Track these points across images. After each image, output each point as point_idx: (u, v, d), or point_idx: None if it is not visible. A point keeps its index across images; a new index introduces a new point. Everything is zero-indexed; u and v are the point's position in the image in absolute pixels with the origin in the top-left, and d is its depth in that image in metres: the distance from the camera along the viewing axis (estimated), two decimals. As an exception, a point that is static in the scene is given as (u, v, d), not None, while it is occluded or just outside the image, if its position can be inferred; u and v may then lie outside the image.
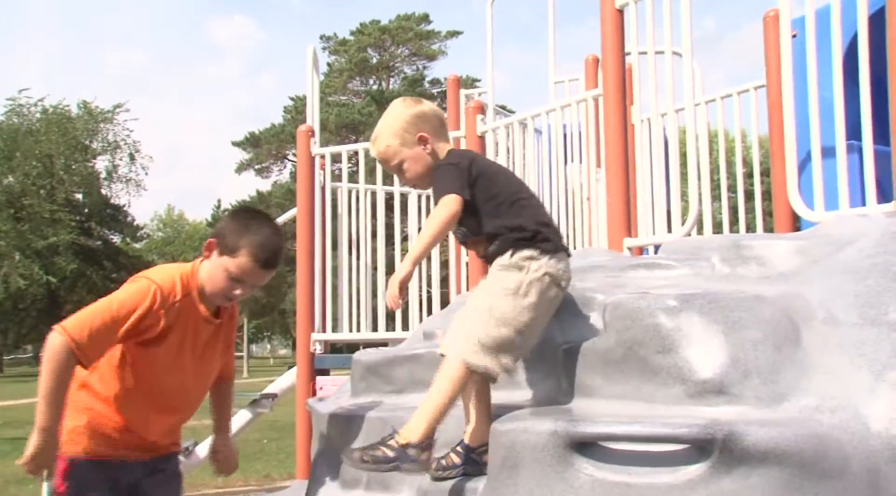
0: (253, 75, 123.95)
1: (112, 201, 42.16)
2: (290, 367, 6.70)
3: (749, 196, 5.13)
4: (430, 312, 5.71)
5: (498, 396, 2.44)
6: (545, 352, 2.47)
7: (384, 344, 5.07)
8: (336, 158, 5.98)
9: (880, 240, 2.57)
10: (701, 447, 1.86)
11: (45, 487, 2.57)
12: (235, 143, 41.07)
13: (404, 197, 5.95)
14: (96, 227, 41.76)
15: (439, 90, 38.45)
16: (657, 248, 3.85)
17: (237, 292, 2.66)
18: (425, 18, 41.17)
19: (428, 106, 2.56)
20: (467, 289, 4.78)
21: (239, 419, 6.41)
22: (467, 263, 5.24)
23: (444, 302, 5.33)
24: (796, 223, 4.10)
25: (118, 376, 2.64)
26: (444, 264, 5.85)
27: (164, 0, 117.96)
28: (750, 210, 5.21)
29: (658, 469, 1.90)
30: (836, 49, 3.32)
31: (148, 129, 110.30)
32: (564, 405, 2.35)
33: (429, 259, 5.71)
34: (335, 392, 3.49)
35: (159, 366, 2.65)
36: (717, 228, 5.05)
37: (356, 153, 5.93)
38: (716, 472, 1.84)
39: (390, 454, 2.22)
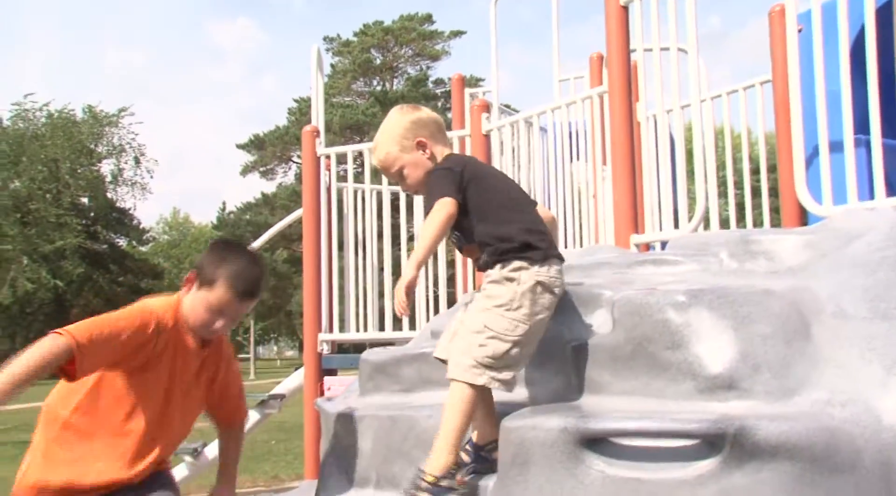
0: (256, 77, 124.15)
1: (118, 205, 42.28)
2: (296, 368, 6.71)
3: (756, 192, 5.11)
4: (436, 312, 5.71)
5: (507, 394, 2.44)
6: (553, 350, 2.47)
7: (391, 344, 5.07)
8: (341, 159, 5.97)
9: (889, 233, 2.57)
10: (712, 442, 1.86)
11: None
12: (240, 146, 41.11)
13: (410, 197, 5.94)
14: (102, 230, 41.88)
15: (443, 90, 38.48)
16: (664, 244, 3.85)
17: (218, 324, 2.65)
18: (428, 19, 41.18)
19: (425, 111, 2.58)
20: (474, 288, 4.78)
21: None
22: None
23: (451, 301, 5.32)
24: (803, 218, 4.08)
25: (103, 412, 2.60)
26: (451, 263, 5.84)
27: (164, 2, 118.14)
28: (756, 206, 5.18)
29: (669, 464, 1.89)
30: (843, 43, 3.31)
31: (152, 133, 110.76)
32: (574, 402, 2.35)
33: (435, 258, 5.71)
34: (343, 391, 3.49)
35: (146, 397, 2.62)
36: (724, 225, 5.03)
37: (361, 153, 5.93)
38: (727, 467, 1.83)
39: None
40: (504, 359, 2.23)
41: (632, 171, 3.91)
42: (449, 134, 5.74)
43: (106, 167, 40.57)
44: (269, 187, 40.68)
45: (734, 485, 1.82)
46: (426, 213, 2.37)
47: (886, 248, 2.44)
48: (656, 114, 3.98)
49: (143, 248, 48.65)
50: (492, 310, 2.27)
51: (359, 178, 6.24)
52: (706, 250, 2.84)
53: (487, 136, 5.20)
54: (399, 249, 5.62)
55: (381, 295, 6.03)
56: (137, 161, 40.02)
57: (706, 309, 2.17)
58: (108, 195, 41.17)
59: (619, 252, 3.38)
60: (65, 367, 2.46)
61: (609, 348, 2.31)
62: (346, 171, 5.95)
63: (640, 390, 2.20)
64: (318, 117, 6.05)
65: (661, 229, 3.86)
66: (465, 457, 2.34)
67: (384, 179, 5.90)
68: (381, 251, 5.95)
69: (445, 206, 2.30)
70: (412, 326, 5.56)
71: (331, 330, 5.75)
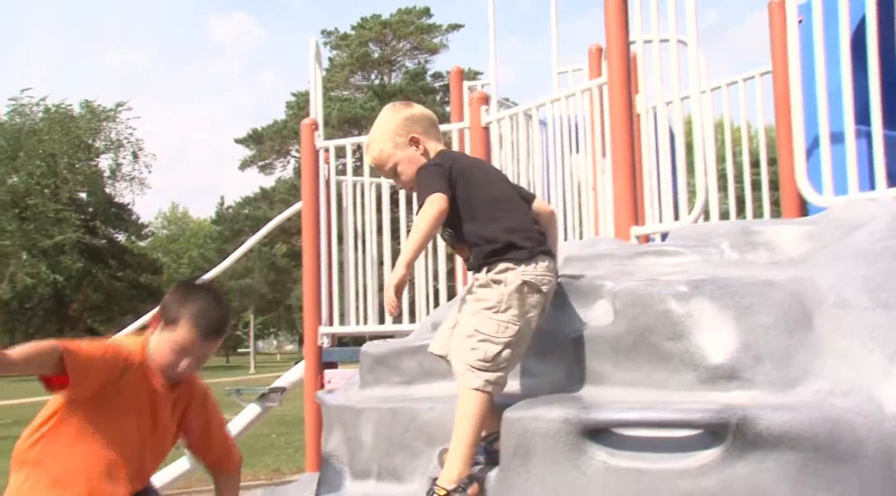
0: (254, 72, 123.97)
1: (116, 200, 42.25)
2: (296, 362, 6.72)
3: (755, 185, 5.11)
4: (437, 305, 5.71)
5: (509, 386, 2.43)
6: (554, 341, 2.47)
7: (391, 337, 5.07)
8: (340, 153, 5.96)
9: (890, 223, 2.57)
10: (714, 432, 1.86)
11: None
12: (238, 140, 41.08)
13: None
14: (101, 225, 41.85)
15: (441, 84, 38.43)
16: (664, 236, 3.84)
17: (183, 365, 2.61)
18: (426, 12, 41.11)
19: (418, 108, 2.58)
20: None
21: (248, 413, 6.43)
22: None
23: (451, 295, 5.32)
24: (803, 210, 4.08)
25: (72, 448, 2.57)
26: (451, 257, 5.84)
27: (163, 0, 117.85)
28: (756, 199, 5.18)
29: (671, 455, 1.90)
30: (843, 33, 3.30)
31: (150, 128, 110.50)
32: (575, 393, 2.35)
33: (435, 253, 5.71)
34: (344, 384, 3.49)
35: (113, 437, 2.59)
36: (724, 218, 5.03)
37: (360, 146, 5.92)
38: (729, 457, 1.83)
39: None
40: (496, 362, 2.22)
41: (631, 162, 3.90)
42: (448, 126, 5.76)
43: (104, 162, 40.56)
44: (268, 182, 40.71)
45: (737, 474, 1.82)
46: (418, 210, 2.36)
47: (888, 238, 2.44)
48: (656, 105, 3.97)
49: (142, 243, 48.60)
50: (480, 313, 2.27)
51: (358, 171, 6.22)
52: (707, 241, 2.83)
53: (487, 129, 5.19)
54: (398, 243, 5.59)
55: (380, 288, 6.02)
56: (135, 156, 40.00)
57: (708, 299, 2.17)
58: (107, 190, 41.13)
59: (619, 243, 3.38)
60: (52, 380, 2.44)
61: (610, 339, 2.31)
62: (344, 164, 5.93)
63: (642, 381, 2.20)
64: (316, 110, 6.04)
65: (661, 221, 3.86)
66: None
67: (383, 172, 5.88)
68: (380, 245, 5.94)
69: (435, 203, 2.30)
70: (412, 319, 5.56)
71: (331, 323, 5.75)
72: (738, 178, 5.14)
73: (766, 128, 4.99)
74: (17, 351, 2.34)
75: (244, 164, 41.54)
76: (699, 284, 2.21)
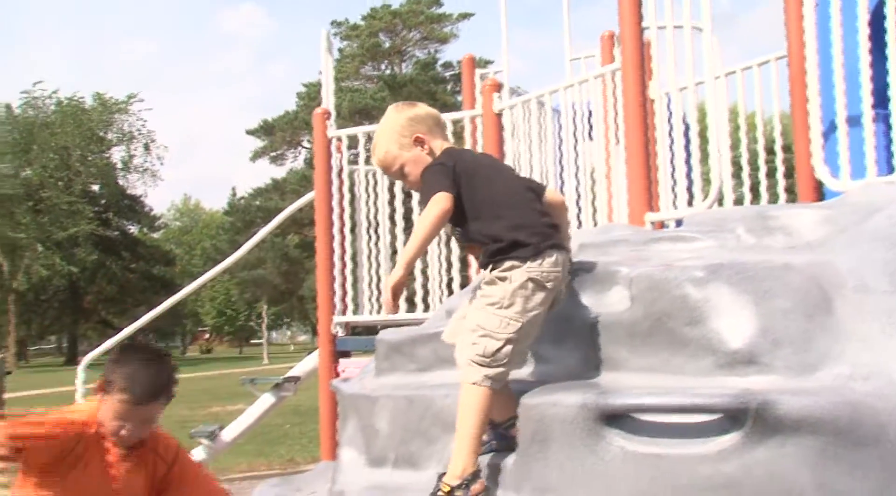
0: (264, 63, 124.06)
1: (129, 192, 42.47)
2: (310, 352, 6.73)
3: (770, 173, 5.07)
4: (450, 293, 5.70)
5: (526, 372, 2.43)
6: (571, 327, 2.46)
7: (405, 325, 5.07)
8: (352, 143, 5.95)
9: (909, 207, 2.53)
10: (734, 417, 1.85)
11: None
12: (249, 131, 41.11)
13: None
14: (114, 217, 42.10)
15: (452, 73, 38.31)
16: (678, 222, 3.82)
17: (125, 433, 2.51)
18: (436, 2, 40.95)
19: (421, 107, 2.57)
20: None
21: (262, 403, 6.46)
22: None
23: (465, 283, 5.32)
24: (819, 196, 4.04)
25: None
26: (464, 247, 5.83)
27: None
28: (771, 186, 5.14)
29: (689, 440, 1.89)
30: (861, 16, 3.26)
31: (162, 120, 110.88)
32: (592, 379, 2.34)
33: (448, 242, 5.69)
34: (359, 373, 3.49)
35: None
36: (739, 204, 4.99)
37: (372, 136, 5.90)
38: (749, 442, 1.82)
39: None
40: (496, 357, 2.21)
41: (645, 149, 3.88)
42: (460, 114, 5.75)
43: (116, 154, 40.75)
44: (279, 172, 40.73)
45: (756, 459, 1.81)
46: (422, 210, 2.35)
47: (907, 222, 2.42)
48: (670, 91, 3.94)
49: (155, 235, 48.90)
50: (485, 308, 2.27)
51: (370, 160, 6.21)
52: (723, 226, 2.81)
53: (499, 116, 5.16)
54: (411, 232, 5.59)
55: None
56: (147, 148, 40.18)
57: (725, 284, 2.15)
58: (119, 182, 41.34)
59: (634, 230, 3.36)
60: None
61: (627, 325, 2.30)
62: (356, 154, 5.92)
63: (659, 366, 2.19)
64: (328, 99, 6.03)
65: (675, 207, 3.83)
66: (485, 436, 2.34)
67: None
68: (393, 234, 5.94)
69: (440, 202, 2.29)
70: (426, 308, 5.56)
71: (344, 312, 5.76)
72: (753, 165, 5.10)
73: (780, 114, 4.94)
74: None
75: (255, 155, 41.59)
76: (716, 269, 2.19)
